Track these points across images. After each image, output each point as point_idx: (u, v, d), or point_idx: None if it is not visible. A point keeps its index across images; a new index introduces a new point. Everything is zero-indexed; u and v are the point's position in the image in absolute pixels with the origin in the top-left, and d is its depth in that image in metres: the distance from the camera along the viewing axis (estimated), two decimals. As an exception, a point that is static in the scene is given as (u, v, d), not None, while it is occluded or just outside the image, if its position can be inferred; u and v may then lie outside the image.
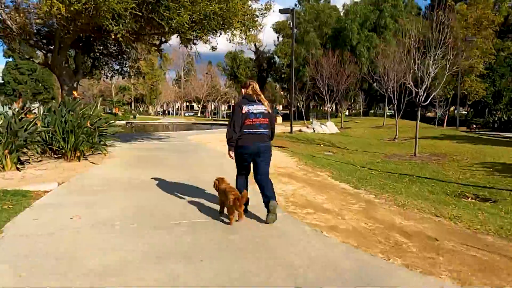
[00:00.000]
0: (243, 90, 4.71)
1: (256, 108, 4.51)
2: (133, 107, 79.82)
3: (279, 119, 39.41)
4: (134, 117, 49.74)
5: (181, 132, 22.06)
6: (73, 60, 12.96)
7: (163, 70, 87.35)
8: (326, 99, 30.89)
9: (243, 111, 4.47)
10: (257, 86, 4.67)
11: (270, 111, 4.62)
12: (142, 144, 13.34)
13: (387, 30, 39.70)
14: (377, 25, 40.48)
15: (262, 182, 4.58)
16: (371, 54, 38.58)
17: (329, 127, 22.71)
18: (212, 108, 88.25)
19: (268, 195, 4.47)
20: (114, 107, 50.54)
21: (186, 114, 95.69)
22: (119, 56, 15.17)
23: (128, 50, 14.51)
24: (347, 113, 44.95)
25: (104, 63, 15.70)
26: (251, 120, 4.47)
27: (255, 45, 69.10)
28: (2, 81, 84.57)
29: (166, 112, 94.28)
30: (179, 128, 31.33)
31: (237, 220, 4.43)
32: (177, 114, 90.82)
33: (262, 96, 4.63)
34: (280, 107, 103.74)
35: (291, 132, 20.34)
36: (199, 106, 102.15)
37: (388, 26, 39.41)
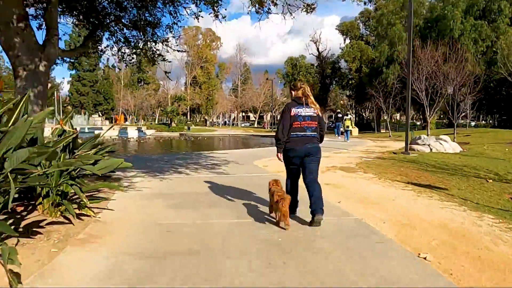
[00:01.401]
0: (293, 92, 4.65)
1: (304, 111, 4.45)
2: (188, 117, 76.26)
3: (355, 131, 32.52)
4: (188, 128, 45.11)
5: (243, 151, 16.14)
6: (41, 19, 7.02)
7: (220, 79, 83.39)
8: (425, 105, 23.64)
9: (292, 114, 4.42)
10: (307, 89, 4.55)
11: (319, 114, 4.54)
12: (181, 181, 7.48)
13: (501, 16, 30.84)
14: (487, 10, 31.77)
15: (310, 186, 4.38)
16: (480, 47, 30.31)
17: (450, 144, 15.71)
18: (269, 119, 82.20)
19: (314, 206, 4.26)
20: (168, 117, 46.31)
21: (243, 125, 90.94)
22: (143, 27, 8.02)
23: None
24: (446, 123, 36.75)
25: (114, 35, 8.18)
26: (299, 123, 4.42)
27: (317, 49, 62.83)
28: (69, 93, 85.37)
29: (222, 122, 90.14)
30: (238, 143, 25.42)
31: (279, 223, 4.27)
32: (233, 124, 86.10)
33: (312, 98, 4.52)
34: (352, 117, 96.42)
35: (406, 151, 13.67)
36: (255, 116, 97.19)
37: (503, 11, 30.48)
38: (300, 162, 4.51)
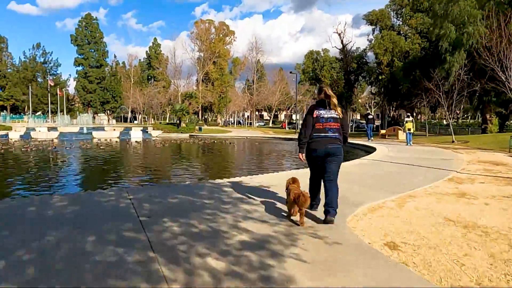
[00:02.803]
0: (318, 95, 4.70)
1: (326, 113, 4.51)
2: (200, 116, 70.53)
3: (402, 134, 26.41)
4: (200, 129, 39.26)
5: (294, 173, 10.23)
6: None
7: (233, 75, 77.46)
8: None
9: (314, 115, 4.51)
10: (329, 91, 4.55)
11: (341, 116, 4.54)
12: None
13: None
14: None
15: (327, 184, 4.47)
16: None
17: None
18: (292, 117, 75.80)
19: (327, 206, 4.35)
20: (177, 116, 40.52)
21: (257, 124, 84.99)
22: None
23: None
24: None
25: None
26: (321, 124, 4.48)
27: (341, 42, 56.40)
28: (75, 91, 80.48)
29: (236, 122, 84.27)
30: (267, 152, 19.35)
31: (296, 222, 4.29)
32: (247, 124, 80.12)
33: (334, 100, 4.51)
34: (358, 116, 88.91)
35: None
36: (270, 115, 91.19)
37: None
38: (321, 162, 4.54)
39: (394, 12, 48.00)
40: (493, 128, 27.84)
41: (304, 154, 4.73)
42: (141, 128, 38.81)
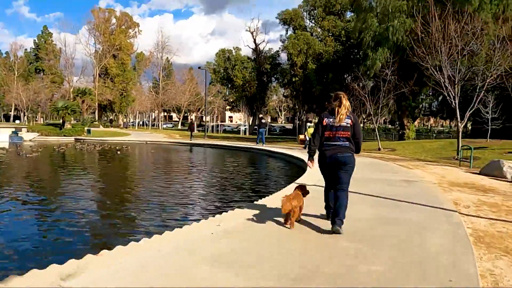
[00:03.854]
0: (333, 102, 4.53)
1: (336, 121, 4.37)
2: (97, 116, 61.76)
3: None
4: (88, 132, 32.26)
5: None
6: None
7: (138, 72, 69.79)
8: (453, 104, 15.03)
9: (324, 123, 4.43)
10: (344, 100, 4.39)
11: (352, 124, 4.38)
12: None
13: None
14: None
15: (337, 193, 4.40)
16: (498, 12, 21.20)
17: None
18: (193, 118, 70.25)
19: (333, 216, 4.30)
20: (60, 116, 32.95)
21: (165, 126, 78.15)
22: None
23: None
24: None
25: None
26: (331, 133, 4.40)
27: (254, 41, 53.36)
28: None
29: (140, 122, 76.39)
30: (159, 162, 14.56)
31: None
32: (153, 125, 73.05)
33: (345, 110, 4.33)
34: (282, 120, 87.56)
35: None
36: (179, 116, 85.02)
37: None
38: (333, 171, 4.48)
39: (307, 13, 46.33)
40: (410, 134, 26.58)
41: (313, 162, 4.76)
42: (13, 130, 30.52)
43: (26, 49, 73.49)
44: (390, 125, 60.86)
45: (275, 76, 51.16)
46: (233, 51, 52.78)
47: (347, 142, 4.41)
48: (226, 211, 5.28)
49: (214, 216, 4.94)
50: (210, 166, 14.93)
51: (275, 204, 5.53)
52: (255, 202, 5.99)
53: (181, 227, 4.35)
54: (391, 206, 5.94)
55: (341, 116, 4.34)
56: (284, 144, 26.44)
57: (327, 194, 4.76)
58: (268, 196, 6.53)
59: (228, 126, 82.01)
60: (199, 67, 37.15)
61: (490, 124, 18.86)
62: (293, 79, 43.61)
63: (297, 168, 13.78)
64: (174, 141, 28.15)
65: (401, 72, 20.53)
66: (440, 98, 36.60)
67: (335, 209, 4.31)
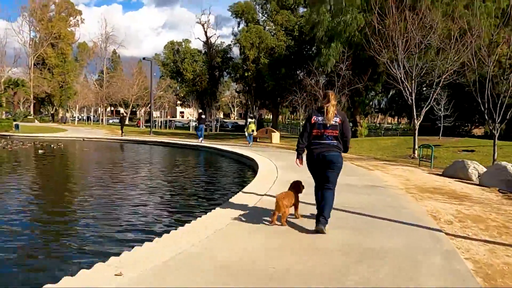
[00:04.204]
0: (322, 100, 4.58)
1: (325, 120, 4.32)
2: (32, 110, 56.62)
3: (277, 137, 22.16)
4: (17, 127, 28.67)
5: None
6: None
7: (80, 63, 64.91)
8: (410, 100, 14.32)
9: (312, 121, 4.38)
10: (332, 98, 4.37)
11: (339, 122, 4.33)
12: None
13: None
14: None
15: (324, 192, 4.38)
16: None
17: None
18: (123, 112, 66.25)
19: (318, 215, 4.26)
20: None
21: (111, 121, 73.62)
22: None
23: None
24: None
25: None
26: (319, 131, 4.34)
27: (205, 33, 51.15)
28: None
29: (86, 117, 71.44)
30: (89, 162, 12.48)
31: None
32: (98, 121, 68.60)
33: (333, 108, 4.28)
34: (235, 116, 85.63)
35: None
36: (127, 111, 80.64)
37: None
38: (321, 169, 4.40)
39: (260, 6, 44.97)
40: (363, 131, 26.14)
41: (301, 161, 4.64)
42: None
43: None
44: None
45: (227, 70, 49.38)
46: (183, 44, 50.21)
47: (335, 141, 4.35)
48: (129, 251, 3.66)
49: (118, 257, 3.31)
50: (141, 168, 13.02)
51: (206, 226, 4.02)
52: (173, 231, 4.43)
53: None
54: (361, 225, 4.64)
55: (330, 114, 4.28)
56: (235, 141, 24.99)
57: (318, 191, 4.56)
58: (198, 217, 4.95)
59: (179, 121, 79.17)
60: (143, 58, 34.43)
61: (442, 122, 18.59)
62: (246, 74, 42.17)
63: (247, 169, 12.34)
64: (115, 138, 25.60)
65: (355, 67, 19.76)
66: (389, 95, 36.97)
67: (320, 208, 4.30)
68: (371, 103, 28.12)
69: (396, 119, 72.34)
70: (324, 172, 4.36)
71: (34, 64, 55.32)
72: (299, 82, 33.11)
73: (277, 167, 10.06)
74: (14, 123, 29.61)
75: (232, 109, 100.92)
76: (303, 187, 4.74)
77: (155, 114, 79.88)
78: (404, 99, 40.47)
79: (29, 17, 57.33)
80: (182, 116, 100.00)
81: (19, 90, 42.07)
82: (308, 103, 25.10)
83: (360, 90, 21.74)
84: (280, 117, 70.11)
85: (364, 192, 6.85)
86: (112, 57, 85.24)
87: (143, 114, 78.83)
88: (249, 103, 50.31)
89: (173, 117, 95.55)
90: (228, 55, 49.38)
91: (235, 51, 47.77)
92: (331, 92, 4.56)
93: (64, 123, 53.49)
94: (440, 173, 10.01)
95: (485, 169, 9.03)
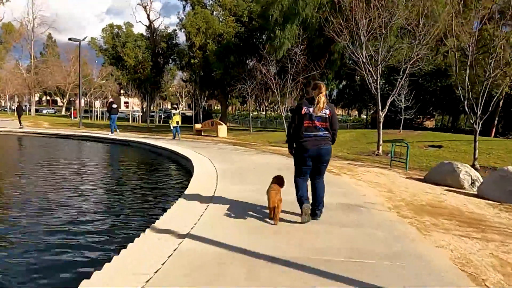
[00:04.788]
0: (311, 91, 4.46)
1: (315, 111, 4.23)
2: None
3: (223, 130, 19.51)
4: None
5: None
6: None
7: (5, 47, 57.54)
8: (373, 89, 12.35)
9: (303, 112, 4.26)
10: (323, 89, 4.31)
11: (329, 115, 4.25)
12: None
13: None
14: None
15: (316, 184, 4.38)
16: None
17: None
18: (21, 101, 60.21)
19: (316, 209, 4.34)
20: None
21: (45, 111, 66.65)
22: None
23: None
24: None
25: None
26: (310, 122, 4.23)
27: (148, 17, 46.90)
28: None
29: (13, 107, 63.83)
30: None
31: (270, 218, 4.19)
32: (30, 111, 61.45)
33: (324, 99, 4.22)
34: (183, 107, 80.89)
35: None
36: (63, 101, 73.68)
37: None
38: (312, 162, 4.29)
39: (207, -12, 41.73)
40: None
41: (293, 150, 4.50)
42: None
43: None
44: (290, 113, 60.11)
45: (172, 57, 45.65)
46: (123, 27, 45.58)
47: (327, 132, 4.28)
48: None
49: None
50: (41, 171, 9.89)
51: None
52: None
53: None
54: None
55: (321, 105, 4.21)
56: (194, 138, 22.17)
57: (302, 185, 4.39)
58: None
59: (122, 112, 73.68)
60: (69, 39, 29.77)
61: (403, 114, 17.03)
62: (192, 61, 38.93)
63: (181, 170, 9.70)
64: (12, 131, 21.40)
65: (310, 52, 17.62)
66: (341, 85, 35.62)
67: (314, 199, 4.33)
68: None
69: (346, 111, 72.46)
70: (316, 164, 4.30)
71: None
72: (249, 71, 30.73)
73: (217, 172, 7.53)
74: None
75: (180, 99, 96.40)
76: (284, 182, 4.57)
77: (97, 104, 73.75)
78: (355, 90, 39.49)
79: None
80: (127, 107, 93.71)
81: None
82: (258, 93, 22.72)
83: (316, 77, 19.73)
84: (230, 108, 67.38)
85: (340, 219, 4.53)
86: (47, 42, 77.35)
87: (21, 101, 71.48)
88: (196, 92, 47.12)
89: (174, 108, 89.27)
90: (174, 41, 45.65)
91: (182, 37, 44.51)
92: (322, 83, 4.43)
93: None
94: (421, 177, 8.05)
95: (478, 175, 7.13)
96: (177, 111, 16.98)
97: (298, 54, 15.80)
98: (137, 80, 44.56)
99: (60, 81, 57.70)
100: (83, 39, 29.28)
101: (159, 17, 44.60)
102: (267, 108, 77.22)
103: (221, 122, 21.14)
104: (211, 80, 38.95)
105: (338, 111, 76.72)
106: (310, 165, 4.26)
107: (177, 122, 16.25)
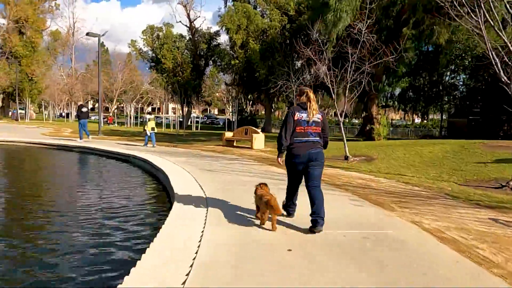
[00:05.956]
0: (298, 97, 4.38)
1: (308, 116, 4.18)
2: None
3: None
4: None
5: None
6: None
7: (53, 54, 57.43)
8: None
9: (295, 118, 4.17)
10: (311, 94, 4.23)
11: (321, 119, 4.23)
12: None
13: None
14: None
15: (312, 191, 4.12)
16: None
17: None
18: (129, 111, 59.88)
19: (315, 216, 4.00)
20: None
21: (93, 118, 66.24)
22: None
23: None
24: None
25: None
26: (302, 128, 4.17)
27: (188, 16, 43.59)
28: None
29: (58, 114, 63.99)
30: None
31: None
32: (66, 116, 60.43)
33: (315, 104, 4.17)
34: (230, 112, 77.17)
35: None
36: (112, 107, 73.28)
37: None
38: (303, 168, 4.19)
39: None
40: (381, 130, 18.57)
41: (282, 159, 4.39)
42: None
43: None
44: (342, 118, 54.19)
45: (212, 58, 42.00)
46: (164, 28, 42.64)
47: (318, 138, 4.25)
48: None
49: None
50: None
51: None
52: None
53: None
54: None
55: (314, 111, 4.18)
56: (203, 144, 17.85)
57: (293, 192, 4.44)
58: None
59: (167, 118, 71.58)
60: (87, 34, 26.73)
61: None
62: (232, 62, 34.85)
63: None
64: (31, 141, 17.84)
65: (379, 31, 12.40)
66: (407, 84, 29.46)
67: (314, 208, 4.08)
68: (390, 90, 20.68)
69: (403, 115, 64.72)
70: (309, 170, 4.16)
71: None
72: (296, 72, 25.90)
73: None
74: None
75: (228, 105, 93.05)
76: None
77: (147, 110, 72.47)
78: (417, 91, 32.68)
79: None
80: (174, 112, 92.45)
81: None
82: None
83: (380, 70, 14.39)
84: (276, 113, 62.37)
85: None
86: (103, 54, 77.94)
87: (99, 109, 70.36)
88: (240, 96, 43.09)
89: (166, 113, 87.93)
90: (216, 42, 42.04)
91: (223, 37, 40.53)
92: (309, 88, 4.34)
93: (16, 120, 45.36)
94: None
95: None
96: (152, 116, 16.54)
97: (364, 33, 10.74)
98: (175, 84, 41.34)
99: (108, 87, 56.37)
100: (103, 35, 26.08)
101: (199, 16, 41.63)
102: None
103: (257, 130, 16.44)
104: (254, 82, 34.51)
105: (397, 115, 68.71)
106: (301, 170, 4.18)
107: (153, 129, 15.73)
